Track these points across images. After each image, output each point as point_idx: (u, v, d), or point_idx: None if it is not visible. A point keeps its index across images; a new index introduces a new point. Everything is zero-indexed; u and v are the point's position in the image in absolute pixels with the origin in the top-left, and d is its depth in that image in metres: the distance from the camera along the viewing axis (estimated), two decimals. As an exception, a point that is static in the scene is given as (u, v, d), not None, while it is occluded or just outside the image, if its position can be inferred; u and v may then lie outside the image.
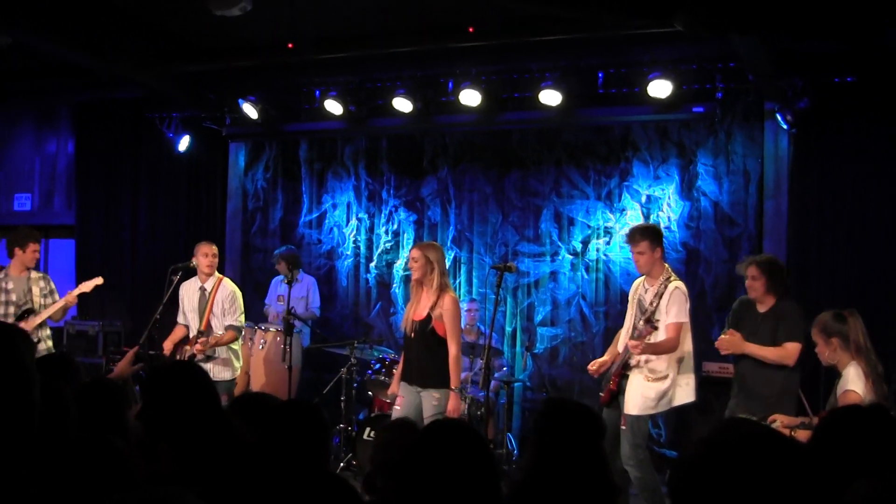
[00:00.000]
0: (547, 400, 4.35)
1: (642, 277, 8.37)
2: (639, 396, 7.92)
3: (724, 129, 10.87)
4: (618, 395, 8.14)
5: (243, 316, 9.72)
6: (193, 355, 9.28)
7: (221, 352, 9.47)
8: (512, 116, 11.46)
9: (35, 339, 9.39)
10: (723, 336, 7.96)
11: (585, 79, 10.62)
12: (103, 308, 13.56)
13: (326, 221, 13.01)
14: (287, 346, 9.89)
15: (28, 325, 9.45)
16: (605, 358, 8.50)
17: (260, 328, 11.09)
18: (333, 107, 11.48)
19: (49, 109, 14.70)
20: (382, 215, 12.64)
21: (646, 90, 10.15)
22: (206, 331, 9.46)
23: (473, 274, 12.03)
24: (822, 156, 10.31)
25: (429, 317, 8.20)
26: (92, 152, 14.12)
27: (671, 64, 10.10)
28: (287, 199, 13.27)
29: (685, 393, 7.99)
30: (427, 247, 8.49)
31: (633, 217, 11.22)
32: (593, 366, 8.45)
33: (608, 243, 11.40)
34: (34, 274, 9.85)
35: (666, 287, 7.79)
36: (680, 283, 7.99)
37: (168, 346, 9.62)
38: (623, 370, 8.11)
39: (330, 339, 11.86)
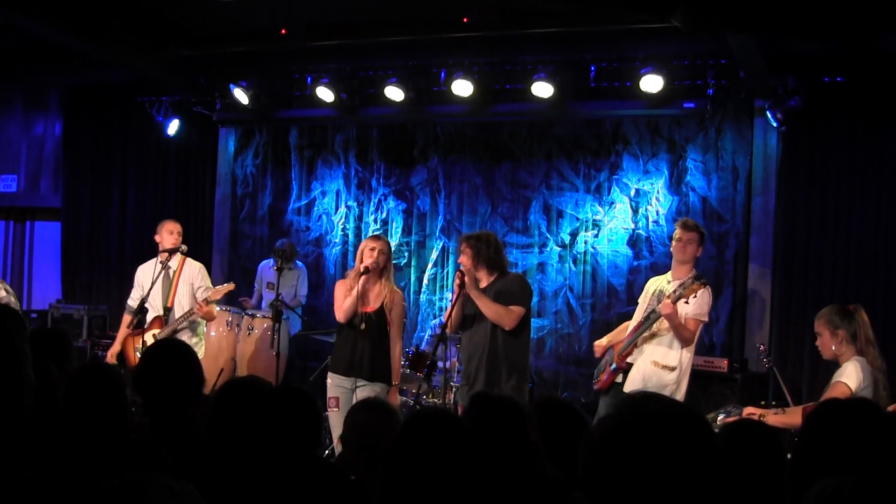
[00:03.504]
0: (472, 395, 4.33)
1: (665, 274, 8.38)
2: (640, 378, 7.91)
3: (715, 125, 10.89)
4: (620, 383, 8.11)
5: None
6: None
7: (185, 333, 9.44)
8: (504, 108, 11.47)
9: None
10: None
11: (578, 72, 10.64)
12: (89, 292, 13.55)
13: (315, 209, 13.00)
14: (275, 334, 9.89)
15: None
16: (604, 341, 8.53)
17: (247, 314, 11.07)
18: (325, 94, 11.46)
19: (38, 91, 14.63)
20: (371, 204, 12.63)
21: (638, 85, 10.18)
22: (171, 309, 9.45)
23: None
24: (811, 154, 10.36)
25: (381, 309, 8.22)
26: (80, 135, 14.07)
27: (664, 59, 10.13)
28: (276, 185, 13.24)
29: (682, 396, 7.99)
30: (385, 240, 8.58)
31: (622, 210, 11.26)
32: (600, 343, 8.48)
33: (596, 236, 11.42)
34: None
35: (693, 282, 7.75)
36: (709, 286, 7.98)
37: (115, 350, 9.61)
38: (633, 350, 8.09)
39: (317, 326, 11.87)
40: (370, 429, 4.67)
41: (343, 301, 8.20)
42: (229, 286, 9.63)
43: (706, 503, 2.24)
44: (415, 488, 3.20)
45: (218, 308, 10.63)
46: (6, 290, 9.49)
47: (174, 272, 9.58)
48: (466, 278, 7.96)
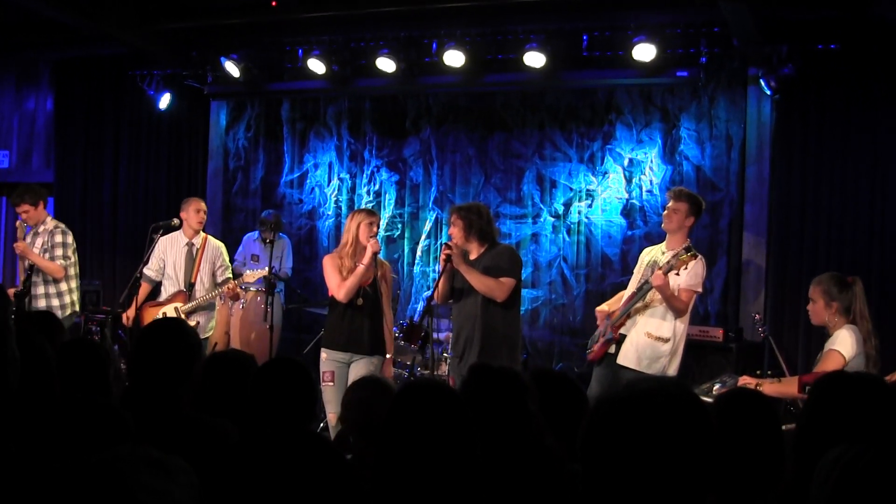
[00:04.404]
0: (472, 366, 4.33)
1: (659, 244, 8.34)
2: (633, 351, 7.89)
3: (708, 94, 10.85)
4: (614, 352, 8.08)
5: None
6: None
7: (202, 311, 9.72)
8: (496, 78, 11.43)
9: None
10: None
11: (570, 41, 10.58)
12: (81, 267, 13.50)
13: (308, 181, 12.96)
14: (268, 307, 9.88)
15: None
16: (605, 308, 8.48)
17: (241, 288, 11.05)
18: (316, 66, 11.41)
19: (28, 66, 14.54)
20: (364, 175, 12.60)
21: (630, 54, 10.12)
22: (195, 284, 9.68)
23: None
24: (804, 122, 10.31)
25: (375, 282, 8.19)
26: (72, 110, 14.00)
27: (656, 28, 10.07)
28: (268, 158, 13.21)
29: (676, 367, 7.97)
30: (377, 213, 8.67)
31: (616, 180, 11.23)
32: (602, 309, 8.45)
33: (590, 206, 11.39)
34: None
35: (684, 253, 7.69)
36: (701, 257, 7.94)
37: (131, 314, 9.66)
38: (625, 320, 8.06)
39: (310, 299, 11.86)
40: (366, 406, 4.64)
41: (338, 279, 8.09)
42: (263, 271, 9.78)
43: (697, 477, 2.30)
44: (408, 458, 3.19)
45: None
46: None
47: (197, 250, 9.82)
48: (453, 252, 7.94)
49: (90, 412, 3.21)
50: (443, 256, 8.01)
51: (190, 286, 9.70)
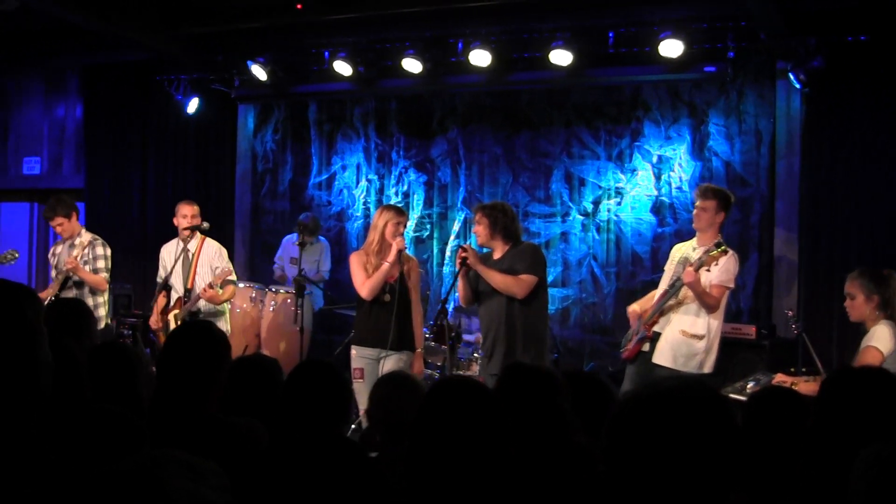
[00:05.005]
0: (506, 365, 4.34)
1: (690, 240, 8.29)
2: (669, 349, 7.84)
3: (736, 88, 10.79)
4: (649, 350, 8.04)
5: (233, 273, 9.77)
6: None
7: (210, 311, 9.54)
8: (522, 77, 11.40)
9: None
10: None
11: (596, 38, 10.52)
12: (112, 271, 13.57)
13: (336, 183, 12.98)
14: (298, 309, 9.85)
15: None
16: (637, 308, 8.44)
17: (271, 290, 11.06)
18: (342, 68, 11.43)
19: (57, 73, 14.68)
20: (392, 176, 12.61)
21: (657, 50, 10.05)
22: (192, 290, 9.49)
23: (484, 236, 11.97)
24: (834, 115, 10.20)
25: (402, 276, 8.21)
26: (100, 116, 14.07)
27: (682, 23, 10.01)
28: (296, 160, 13.24)
29: (711, 363, 7.91)
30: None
31: (645, 178, 11.19)
32: (634, 309, 8.41)
33: (619, 204, 11.35)
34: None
35: (714, 249, 7.63)
36: (733, 252, 7.90)
37: (155, 319, 9.64)
38: (658, 318, 8.02)
39: (340, 300, 11.85)
40: (393, 403, 4.64)
41: (364, 277, 8.13)
42: (226, 273, 9.52)
43: (718, 475, 2.31)
44: (439, 455, 3.18)
45: (241, 285, 10.67)
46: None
47: (193, 253, 9.65)
48: (469, 254, 7.94)
49: (104, 421, 3.20)
50: (458, 260, 8.00)
51: (187, 292, 9.55)
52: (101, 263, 9.62)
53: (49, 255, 9.93)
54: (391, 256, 8.05)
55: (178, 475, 2.02)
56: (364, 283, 8.11)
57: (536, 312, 8.02)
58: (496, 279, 7.88)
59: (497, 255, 8.12)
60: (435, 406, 3.32)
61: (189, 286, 9.54)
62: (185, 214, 9.67)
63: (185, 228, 9.57)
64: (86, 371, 3.88)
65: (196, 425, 4.07)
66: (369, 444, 4.66)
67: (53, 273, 9.79)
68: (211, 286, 9.27)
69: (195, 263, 9.59)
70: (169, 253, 9.81)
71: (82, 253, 9.53)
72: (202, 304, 9.50)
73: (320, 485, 3.03)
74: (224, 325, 9.67)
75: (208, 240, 9.81)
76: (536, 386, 4.00)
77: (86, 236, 9.70)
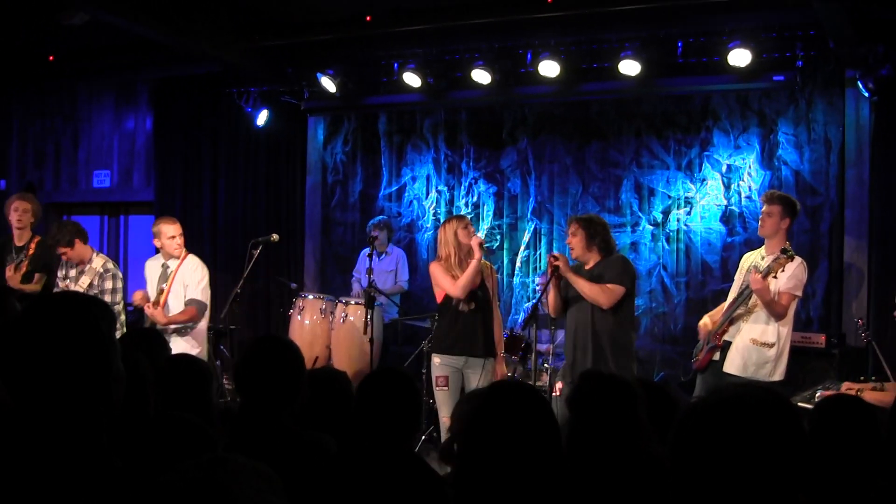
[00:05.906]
0: (583, 373, 4.36)
1: (759, 249, 8.30)
2: (739, 357, 7.86)
3: (805, 97, 10.74)
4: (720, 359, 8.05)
5: (208, 295, 9.50)
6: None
7: (175, 337, 9.10)
8: (591, 87, 11.40)
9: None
10: None
11: (664, 48, 10.54)
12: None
13: (406, 194, 13.03)
14: (368, 319, 9.91)
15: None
16: (707, 321, 8.46)
17: (341, 301, 11.08)
18: (412, 79, 11.52)
19: (127, 86, 14.81)
20: (462, 187, 12.64)
21: (725, 59, 10.05)
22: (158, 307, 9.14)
23: (554, 245, 11.96)
24: (903, 123, 10.17)
25: (483, 283, 8.31)
26: (170, 128, 14.20)
27: (751, 32, 9.99)
28: (366, 172, 13.30)
29: (781, 371, 7.91)
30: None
31: (714, 187, 11.17)
32: (705, 324, 8.43)
33: (689, 213, 11.34)
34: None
35: (780, 256, 7.64)
36: (801, 260, 7.91)
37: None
38: (728, 327, 8.03)
39: (411, 311, 11.90)
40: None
41: (451, 280, 8.23)
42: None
43: (783, 481, 2.32)
44: (490, 458, 3.21)
45: (311, 296, 10.74)
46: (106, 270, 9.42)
47: (171, 271, 9.38)
48: (560, 262, 8.00)
49: (176, 428, 3.29)
50: (549, 268, 8.06)
51: (153, 304, 9.17)
52: (109, 297, 9.22)
53: (58, 279, 9.51)
54: (477, 252, 8.14)
55: (243, 479, 2.06)
56: (454, 284, 8.20)
57: (622, 322, 8.09)
58: (584, 287, 7.96)
59: (589, 266, 8.22)
60: (487, 409, 3.36)
61: (161, 303, 9.19)
62: (165, 233, 9.34)
63: (252, 242, 9.55)
64: (153, 386, 3.96)
65: (271, 436, 4.15)
66: (446, 456, 4.71)
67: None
68: (156, 304, 9.07)
69: (171, 282, 9.27)
70: (149, 269, 9.55)
71: (91, 279, 9.28)
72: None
73: (384, 500, 3.10)
74: (195, 348, 9.21)
75: (191, 257, 9.61)
76: (613, 394, 4.04)
77: (97, 262, 9.42)
